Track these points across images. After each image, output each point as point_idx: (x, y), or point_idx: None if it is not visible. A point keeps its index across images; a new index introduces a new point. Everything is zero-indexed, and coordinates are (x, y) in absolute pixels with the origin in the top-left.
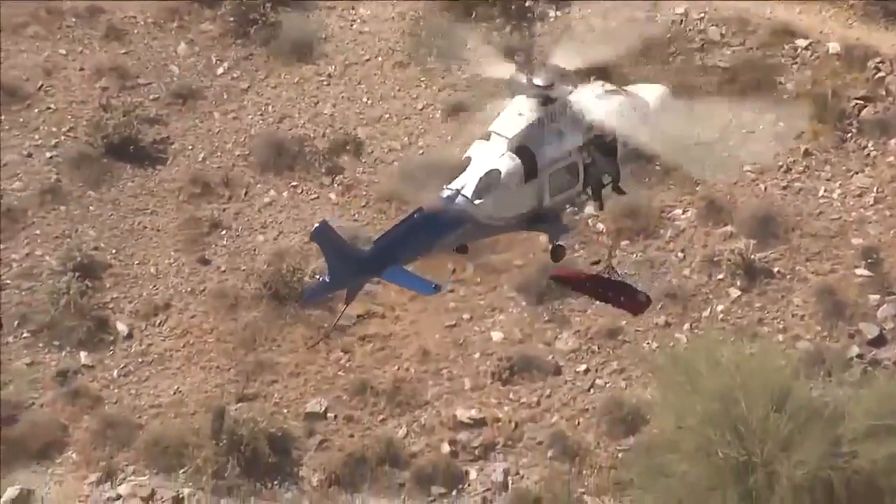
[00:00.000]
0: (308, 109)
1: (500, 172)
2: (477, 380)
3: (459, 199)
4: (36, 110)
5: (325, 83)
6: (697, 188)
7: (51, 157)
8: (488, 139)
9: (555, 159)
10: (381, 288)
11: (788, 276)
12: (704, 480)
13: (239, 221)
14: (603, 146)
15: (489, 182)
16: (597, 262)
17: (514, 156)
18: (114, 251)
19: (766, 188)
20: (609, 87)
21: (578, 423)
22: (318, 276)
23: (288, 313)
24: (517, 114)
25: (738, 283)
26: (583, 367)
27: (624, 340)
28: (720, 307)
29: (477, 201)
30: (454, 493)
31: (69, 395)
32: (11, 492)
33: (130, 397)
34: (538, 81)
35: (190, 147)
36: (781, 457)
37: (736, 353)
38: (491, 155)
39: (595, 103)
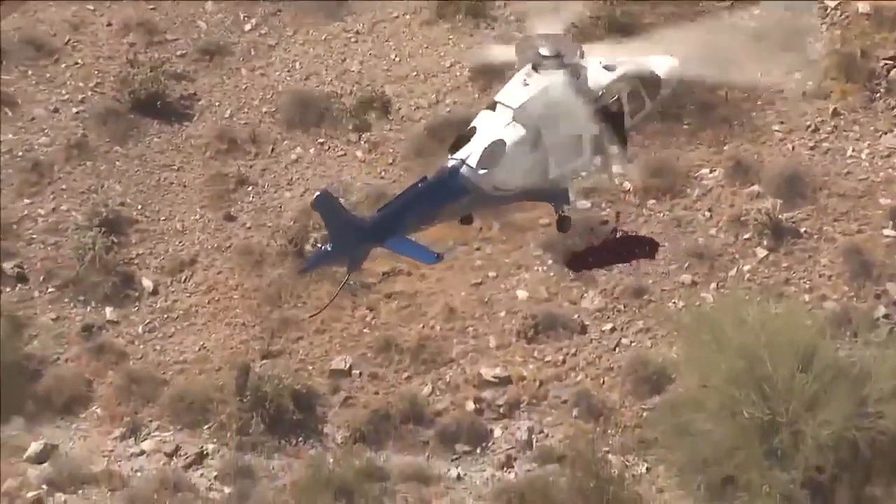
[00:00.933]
0: (335, 66)
1: (506, 142)
2: (502, 338)
3: (464, 168)
4: (63, 65)
5: (352, 40)
6: (725, 147)
7: (77, 113)
8: (494, 109)
9: (560, 129)
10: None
11: (815, 236)
12: (729, 440)
13: (265, 178)
14: (609, 116)
15: (494, 152)
16: (605, 222)
17: (520, 126)
18: (140, 207)
19: (793, 148)
20: (618, 57)
21: (603, 381)
22: (318, 245)
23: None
24: (523, 83)
25: (765, 243)
26: (609, 326)
27: (650, 300)
28: (747, 267)
29: (482, 171)
30: (478, 450)
31: (94, 350)
32: (36, 446)
33: (155, 353)
34: (544, 51)
35: (217, 103)
36: (806, 416)
37: (762, 313)
38: (496, 125)
39: (601, 73)
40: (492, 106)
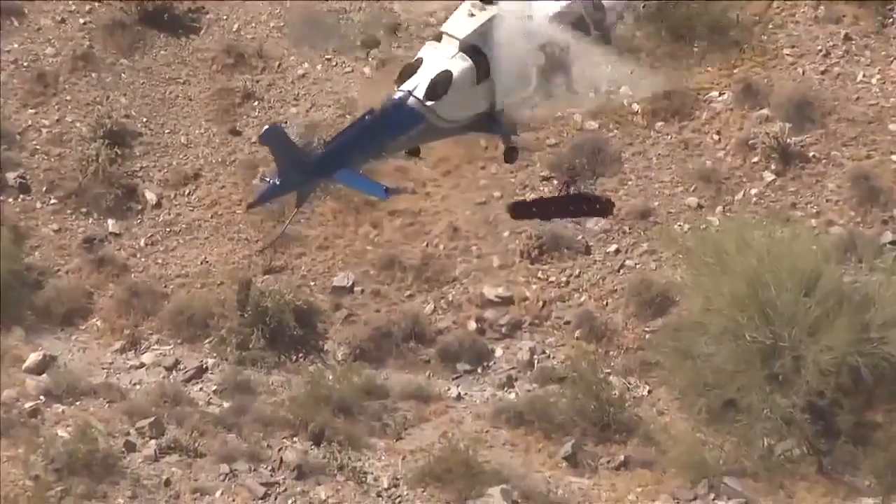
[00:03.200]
0: None
1: (452, 73)
2: (506, 258)
3: (411, 100)
4: None
5: None
6: (735, 70)
7: (84, 24)
8: (439, 40)
9: (507, 60)
10: (413, 163)
11: (823, 161)
12: (731, 363)
13: (271, 93)
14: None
15: (441, 83)
16: (548, 178)
17: (466, 56)
18: (144, 119)
19: (804, 72)
20: None
21: (607, 303)
22: (267, 179)
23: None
24: (469, 14)
25: (773, 167)
26: (613, 247)
27: (655, 222)
28: (754, 190)
29: (429, 103)
30: (479, 370)
31: (95, 262)
32: (35, 357)
33: (157, 266)
34: None
35: (224, 17)
36: (809, 341)
37: (767, 237)
38: (442, 56)
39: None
40: (437, 37)
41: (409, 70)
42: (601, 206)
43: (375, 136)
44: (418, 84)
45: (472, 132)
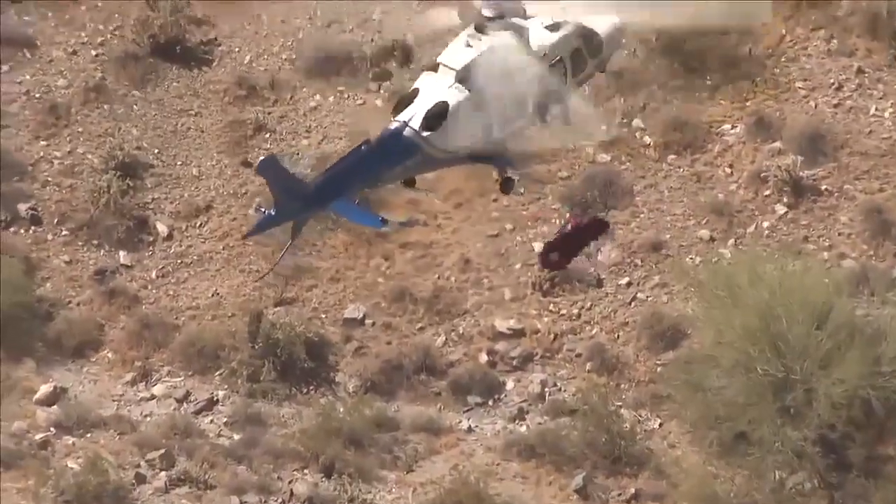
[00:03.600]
0: (357, 14)
1: (449, 104)
2: (517, 290)
3: (407, 130)
4: (83, 7)
5: None
6: (747, 103)
7: (96, 55)
8: (436, 70)
9: (503, 90)
10: (424, 196)
11: (836, 194)
12: (742, 396)
13: (283, 125)
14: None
15: (437, 114)
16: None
17: (463, 87)
18: (156, 151)
19: (816, 105)
20: (560, 18)
21: (618, 336)
22: (262, 210)
23: (329, 218)
24: (465, 44)
25: (785, 200)
26: (625, 280)
27: (667, 254)
28: (766, 223)
29: (425, 133)
30: (490, 402)
31: (107, 294)
32: (45, 388)
33: (168, 298)
34: (486, 12)
35: (237, 49)
36: (820, 374)
37: (779, 270)
38: (439, 86)
39: (544, 34)
40: (434, 67)
41: (406, 100)
42: (600, 226)
43: (371, 166)
44: (415, 114)
45: (469, 163)
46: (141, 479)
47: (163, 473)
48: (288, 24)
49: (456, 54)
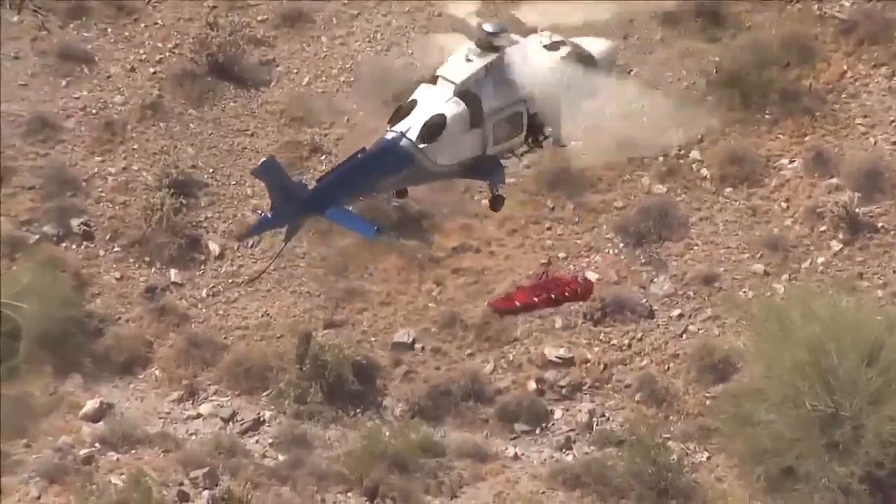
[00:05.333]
0: (417, 39)
1: (446, 117)
2: (568, 319)
3: (404, 141)
4: (143, 25)
5: (436, 14)
6: (806, 138)
7: (154, 73)
8: (435, 83)
9: (500, 107)
10: (479, 222)
11: (892, 232)
12: (790, 431)
13: (339, 147)
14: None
15: (434, 126)
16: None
17: (461, 101)
18: (211, 170)
19: (875, 142)
20: (556, 37)
21: (668, 367)
22: (259, 213)
23: (382, 242)
24: (466, 59)
25: (841, 236)
26: (677, 312)
27: (720, 287)
28: (821, 259)
29: (421, 145)
30: (538, 430)
31: (156, 311)
32: (92, 404)
33: (217, 317)
34: (488, 28)
35: (295, 70)
36: (869, 411)
37: (831, 305)
38: (437, 99)
39: (542, 53)
40: (433, 80)
41: (403, 111)
42: (585, 290)
43: (366, 174)
44: (411, 126)
45: (464, 177)
46: (184, 497)
47: (206, 492)
48: (347, 47)
49: (456, 68)
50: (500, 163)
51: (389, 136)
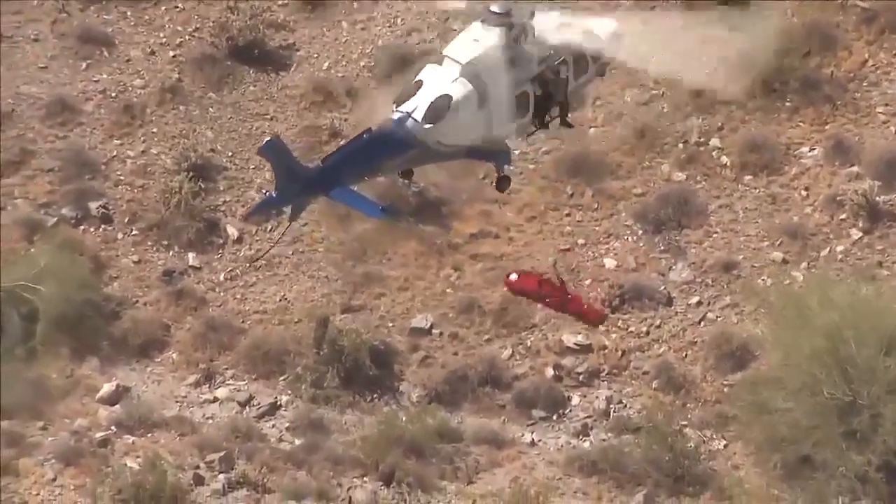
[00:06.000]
0: (438, 25)
1: (452, 98)
2: None
3: (409, 122)
4: (163, 8)
5: None
6: (826, 126)
7: (174, 56)
8: (441, 63)
9: (507, 88)
10: (498, 208)
11: None
12: (807, 419)
13: (359, 132)
14: (554, 78)
15: (440, 107)
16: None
17: (467, 82)
18: (230, 154)
19: None
20: (564, 18)
21: (686, 355)
22: (264, 192)
23: (401, 227)
24: (472, 39)
25: (860, 225)
26: (695, 299)
27: (739, 275)
28: (840, 248)
29: (427, 126)
30: (555, 417)
31: (174, 295)
32: (108, 387)
33: (235, 301)
34: (495, 8)
35: (315, 55)
36: (887, 399)
37: (850, 294)
38: (443, 79)
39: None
40: (439, 60)
41: (409, 91)
42: (596, 315)
43: (372, 155)
44: (417, 106)
45: (470, 158)
46: (199, 481)
47: (221, 476)
48: (368, 32)
49: (462, 48)
50: (506, 144)
51: (395, 116)
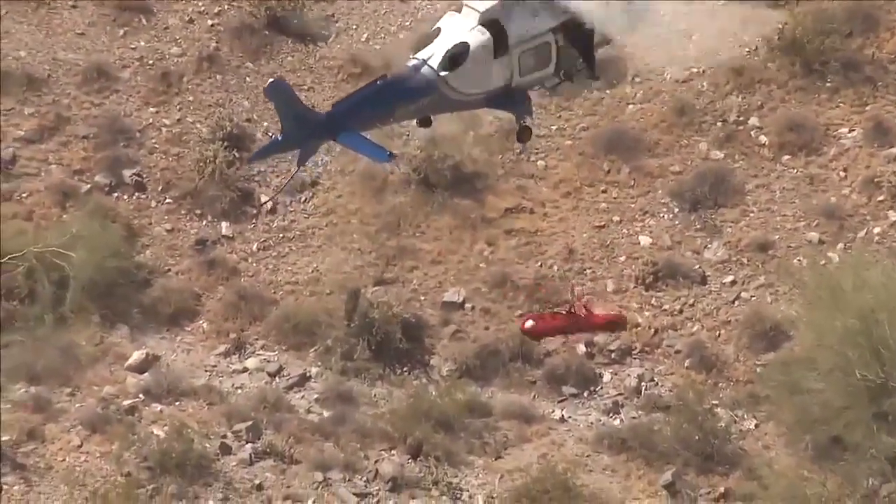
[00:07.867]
0: None
1: (469, 46)
2: (620, 283)
3: (425, 69)
4: None
5: None
6: (867, 108)
7: (212, 25)
8: (460, 11)
9: (526, 37)
10: (533, 183)
11: None
12: (839, 399)
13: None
14: (579, 30)
15: (457, 55)
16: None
17: (485, 30)
18: (266, 125)
19: None
20: None
21: (719, 334)
22: (270, 135)
23: (436, 200)
24: None
25: None
26: (730, 278)
27: (774, 255)
28: (877, 229)
29: (443, 73)
30: (585, 394)
31: (206, 264)
32: (138, 355)
33: (267, 272)
34: None
35: (354, 26)
36: None
37: (885, 276)
38: (461, 27)
39: None
40: (458, 8)
41: (427, 39)
42: (616, 323)
43: (386, 101)
44: (434, 53)
45: (488, 107)
46: (226, 450)
47: (248, 445)
48: (407, 4)
49: None
50: (526, 94)
51: (411, 63)
